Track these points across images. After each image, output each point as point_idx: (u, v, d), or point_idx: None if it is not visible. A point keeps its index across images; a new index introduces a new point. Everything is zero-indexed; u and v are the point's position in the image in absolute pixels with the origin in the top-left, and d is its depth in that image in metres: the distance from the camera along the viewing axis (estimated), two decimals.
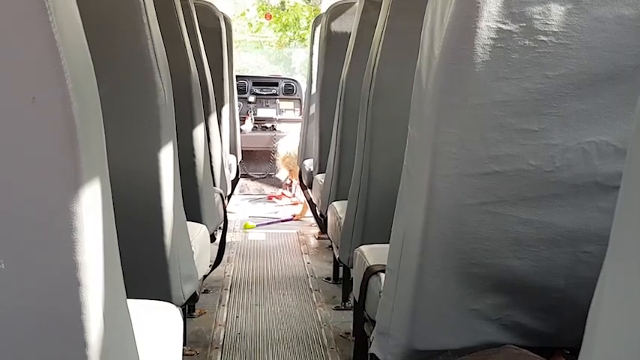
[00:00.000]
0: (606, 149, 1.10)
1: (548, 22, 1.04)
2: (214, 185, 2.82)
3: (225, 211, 2.86)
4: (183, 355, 2.35)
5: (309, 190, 3.86)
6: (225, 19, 4.08)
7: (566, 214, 1.14)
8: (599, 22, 1.04)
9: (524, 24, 1.04)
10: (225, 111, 3.80)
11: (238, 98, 5.23)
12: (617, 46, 1.05)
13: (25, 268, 0.76)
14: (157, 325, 1.30)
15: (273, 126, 5.85)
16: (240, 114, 5.30)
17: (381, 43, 2.02)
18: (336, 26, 3.50)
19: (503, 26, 1.04)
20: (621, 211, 0.52)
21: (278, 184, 5.72)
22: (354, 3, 3.28)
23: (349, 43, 2.67)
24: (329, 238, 2.91)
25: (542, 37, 1.04)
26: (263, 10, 7.20)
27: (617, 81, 1.07)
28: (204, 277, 2.17)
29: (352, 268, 2.05)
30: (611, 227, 0.53)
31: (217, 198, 2.73)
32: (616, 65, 1.06)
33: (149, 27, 1.44)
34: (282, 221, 4.73)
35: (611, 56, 1.06)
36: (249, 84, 6.05)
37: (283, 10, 7.73)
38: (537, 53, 1.05)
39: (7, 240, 0.74)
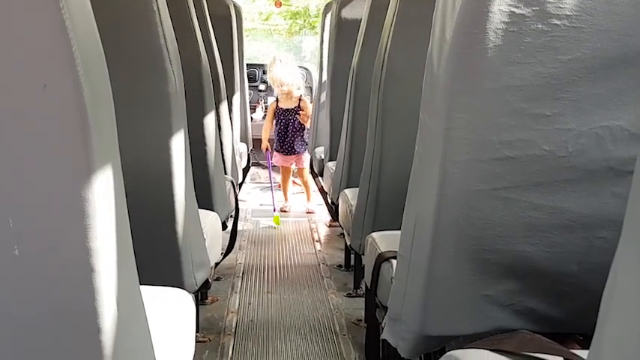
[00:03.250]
0: (620, 134, 1.09)
1: (561, 6, 1.03)
2: (225, 173, 2.83)
3: (236, 199, 2.87)
4: (196, 341, 2.36)
5: (320, 178, 3.87)
6: (236, 7, 4.07)
7: (579, 199, 1.13)
8: (613, 5, 1.03)
9: (537, 7, 1.03)
10: (236, 99, 3.80)
11: (249, 86, 5.24)
12: (631, 30, 1.04)
13: (39, 254, 0.76)
14: (170, 312, 1.31)
15: None
16: (250, 102, 5.30)
17: (392, 29, 2.01)
18: (347, 13, 3.49)
19: (516, 10, 1.03)
20: (635, 195, 0.51)
21: None
22: None
23: (360, 29, 2.66)
24: (340, 226, 2.91)
25: (556, 21, 1.03)
26: None
27: (631, 65, 1.06)
28: (216, 264, 2.18)
29: (364, 255, 2.05)
30: (624, 212, 0.53)
31: (228, 186, 2.74)
32: (630, 49, 1.05)
33: (159, 15, 1.44)
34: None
35: (625, 40, 1.04)
36: (259, 72, 6.05)
37: None
38: (550, 37, 1.04)
39: (20, 226, 0.75)
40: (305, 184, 4.78)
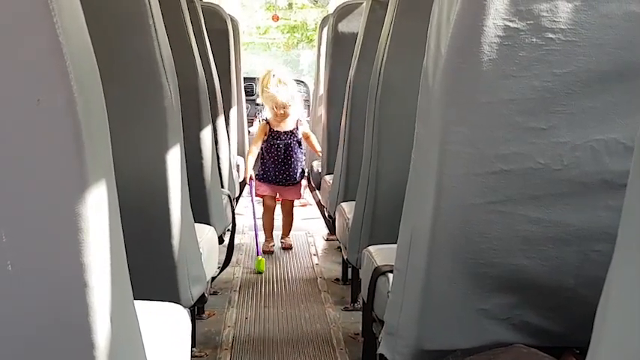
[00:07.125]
0: (615, 147, 1.09)
1: (555, 20, 1.03)
2: (222, 187, 2.82)
3: (233, 213, 2.86)
4: (193, 356, 2.35)
5: (317, 192, 3.85)
6: (233, 21, 4.08)
7: (575, 212, 1.13)
8: (608, 18, 1.03)
9: (532, 21, 1.03)
10: (233, 113, 3.79)
11: (246, 100, 5.23)
12: (626, 43, 1.04)
13: (32, 269, 0.76)
14: (165, 327, 1.30)
15: None
16: (248, 116, 5.30)
17: (388, 43, 2.02)
18: (344, 27, 3.50)
19: (511, 24, 1.03)
20: (628, 208, 0.51)
21: None
22: (361, 3, 3.28)
23: (356, 43, 2.67)
24: (337, 239, 2.90)
25: (550, 35, 1.04)
26: (270, 10, 7.20)
27: (626, 78, 1.06)
28: (213, 278, 2.17)
29: (360, 268, 2.04)
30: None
31: (225, 200, 2.73)
32: (625, 62, 1.05)
33: (155, 29, 1.45)
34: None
35: (620, 53, 1.05)
36: (256, 86, 6.05)
37: (291, 9, 7.75)
38: (545, 51, 1.05)
39: (14, 242, 0.74)
40: (288, 216, 4.03)
